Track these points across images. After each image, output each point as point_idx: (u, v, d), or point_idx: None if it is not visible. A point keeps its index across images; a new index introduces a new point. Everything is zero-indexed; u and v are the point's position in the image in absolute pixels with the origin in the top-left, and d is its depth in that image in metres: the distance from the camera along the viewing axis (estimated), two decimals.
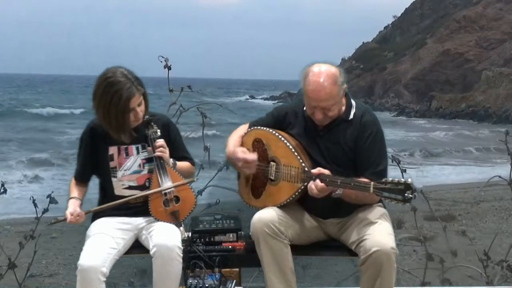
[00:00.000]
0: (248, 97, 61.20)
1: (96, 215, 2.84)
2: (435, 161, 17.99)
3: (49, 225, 2.79)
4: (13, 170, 13.58)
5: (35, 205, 3.60)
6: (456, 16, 47.64)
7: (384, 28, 62.62)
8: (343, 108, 2.77)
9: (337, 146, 2.74)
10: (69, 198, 2.80)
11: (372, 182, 2.47)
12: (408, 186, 2.38)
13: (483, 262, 3.89)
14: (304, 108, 2.81)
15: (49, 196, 3.56)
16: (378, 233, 2.59)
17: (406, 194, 2.37)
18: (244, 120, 3.11)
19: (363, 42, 58.84)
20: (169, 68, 3.76)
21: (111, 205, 2.77)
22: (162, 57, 3.70)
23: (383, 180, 2.44)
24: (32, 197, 3.65)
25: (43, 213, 3.58)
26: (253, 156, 2.83)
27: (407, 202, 2.39)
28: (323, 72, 2.63)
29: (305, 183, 2.65)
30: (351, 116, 2.76)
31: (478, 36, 44.61)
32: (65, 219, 2.69)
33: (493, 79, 37.64)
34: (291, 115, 2.88)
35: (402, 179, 2.40)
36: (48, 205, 3.57)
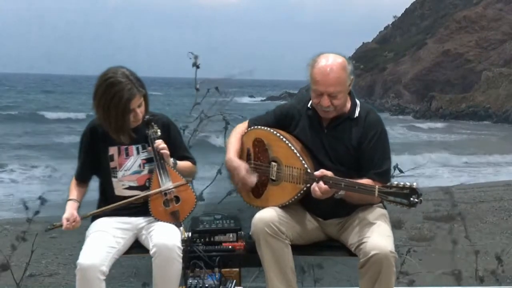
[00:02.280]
0: (247, 97, 61.11)
1: (96, 215, 2.83)
2: (435, 161, 17.97)
3: (46, 231, 2.79)
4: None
5: (26, 207, 3.57)
6: (456, 16, 47.63)
7: (384, 28, 62.61)
8: (349, 105, 2.77)
9: (341, 144, 2.74)
10: (67, 199, 2.80)
11: (377, 186, 2.46)
12: (413, 191, 2.36)
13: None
14: (309, 105, 2.81)
15: (40, 197, 3.54)
16: (377, 235, 2.59)
17: (411, 199, 2.36)
18: (243, 120, 3.09)
19: (363, 42, 58.84)
20: (198, 67, 3.55)
21: (107, 208, 2.76)
22: (192, 53, 3.49)
23: (388, 184, 2.44)
24: (23, 199, 3.64)
25: (34, 215, 3.56)
26: (252, 181, 2.83)
27: (413, 207, 2.38)
28: (332, 59, 2.65)
29: (308, 185, 2.65)
30: (357, 114, 2.75)
31: (478, 37, 44.62)
32: (61, 225, 2.69)
33: (493, 80, 37.66)
34: (294, 113, 2.87)
35: (408, 183, 2.39)
36: (39, 207, 3.57)
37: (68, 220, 2.69)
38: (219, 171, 3.70)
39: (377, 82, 46.50)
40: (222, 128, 3.74)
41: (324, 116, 2.75)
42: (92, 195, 2.93)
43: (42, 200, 3.54)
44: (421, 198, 2.37)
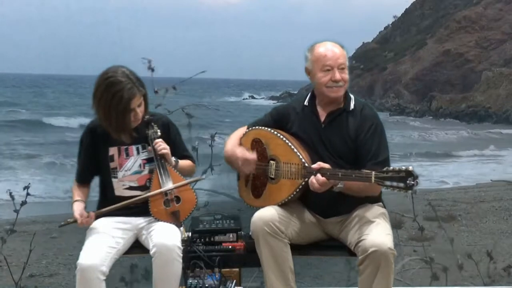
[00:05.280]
0: (247, 97, 61.28)
1: (96, 215, 2.83)
2: (435, 161, 17.98)
3: (59, 227, 2.78)
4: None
5: (12, 198, 3.59)
6: (456, 16, 47.60)
7: (384, 28, 62.51)
8: (343, 98, 2.81)
9: (339, 137, 2.76)
10: (73, 201, 2.78)
11: (373, 172, 2.47)
12: (409, 173, 2.38)
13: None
14: (305, 103, 2.85)
15: (26, 187, 3.56)
16: (376, 233, 2.60)
17: (408, 181, 2.37)
18: (243, 120, 3.10)
19: (363, 42, 58.75)
20: (153, 70, 3.64)
21: (120, 205, 2.76)
22: (145, 58, 3.57)
23: (384, 169, 2.45)
24: (9, 190, 3.66)
25: (21, 205, 3.60)
26: (252, 155, 2.85)
27: (409, 190, 2.39)
28: (331, 41, 2.78)
29: (306, 179, 2.66)
30: (352, 107, 2.79)
31: (478, 36, 44.59)
32: (75, 221, 2.68)
33: (493, 80, 37.63)
34: (290, 112, 2.89)
35: (403, 167, 2.41)
36: (26, 197, 3.59)
37: (81, 216, 2.68)
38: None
39: (377, 82, 46.47)
40: (186, 125, 3.85)
41: (334, 96, 2.75)
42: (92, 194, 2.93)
43: (27, 189, 3.56)
44: (417, 180, 2.38)
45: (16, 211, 3.61)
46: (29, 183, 3.64)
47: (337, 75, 2.71)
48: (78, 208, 2.72)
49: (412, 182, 2.37)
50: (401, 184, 2.39)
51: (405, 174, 2.38)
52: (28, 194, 3.59)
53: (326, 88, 2.75)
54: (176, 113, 3.80)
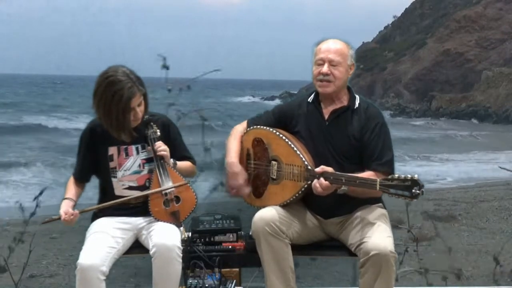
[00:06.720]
0: (250, 97, 61.30)
1: (96, 215, 2.83)
2: (435, 160, 17.97)
3: (42, 224, 2.77)
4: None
5: (22, 210, 3.58)
6: (456, 16, 47.58)
7: (384, 28, 62.50)
8: (348, 97, 2.82)
9: (343, 135, 2.76)
10: (63, 198, 2.78)
11: (378, 179, 2.47)
12: (415, 182, 2.37)
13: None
14: (309, 100, 2.85)
15: (36, 198, 3.55)
16: (377, 235, 2.59)
17: (413, 190, 2.36)
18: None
19: (363, 42, 58.67)
20: (167, 68, 3.66)
21: (106, 205, 2.76)
22: (160, 55, 3.58)
23: (390, 176, 2.44)
24: (19, 201, 3.65)
25: (30, 216, 3.57)
26: (247, 192, 2.87)
27: (415, 199, 2.38)
28: (337, 39, 2.81)
29: (309, 182, 2.65)
30: (357, 105, 2.80)
31: (478, 36, 44.57)
32: (59, 218, 2.67)
33: (493, 79, 37.64)
34: (293, 111, 2.89)
35: (409, 175, 2.39)
36: (36, 208, 3.57)
37: (66, 213, 2.67)
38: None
39: (377, 82, 46.45)
40: (199, 125, 3.89)
41: (323, 91, 2.77)
42: (91, 196, 2.93)
43: (38, 202, 3.55)
44: (422, 190, 2.37)
45: (26, 222, 3.59)
46: (43, 188, 3.67)
47: (325, 68, 2.72)
48: (65, 206, 2.72)
49: (418, 192, 2.36)
50: (406, 193, 2.37)
51: (410, 183, 2.37)
52: (37, 205, 3.58)
53: (316, 81, 2.77)
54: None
